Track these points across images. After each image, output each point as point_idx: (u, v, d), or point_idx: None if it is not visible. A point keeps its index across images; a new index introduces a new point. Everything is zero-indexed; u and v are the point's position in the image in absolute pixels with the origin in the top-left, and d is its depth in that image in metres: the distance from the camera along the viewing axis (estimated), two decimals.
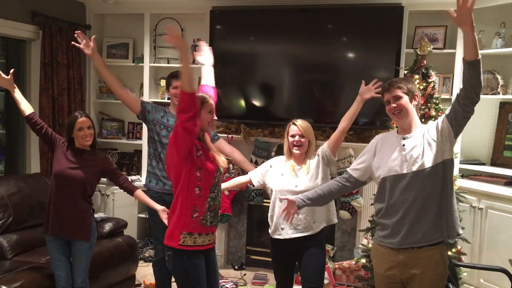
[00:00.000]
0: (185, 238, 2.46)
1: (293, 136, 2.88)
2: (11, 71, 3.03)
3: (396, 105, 2.33)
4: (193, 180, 2.43)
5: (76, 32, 3.06)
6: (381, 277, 2.43)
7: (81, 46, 3.04)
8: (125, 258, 3.76)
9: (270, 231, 2.95)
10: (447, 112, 2.24)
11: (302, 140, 2.86)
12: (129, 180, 3.19)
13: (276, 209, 2.88)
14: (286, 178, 2.87)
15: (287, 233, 2.85)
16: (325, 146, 2.93)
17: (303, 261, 2.87)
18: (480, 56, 2.03)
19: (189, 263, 2.47)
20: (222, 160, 2.60)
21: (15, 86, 3.03)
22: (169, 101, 3.56)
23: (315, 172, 2.87)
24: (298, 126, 2.87)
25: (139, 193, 3.10)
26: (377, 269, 2.47)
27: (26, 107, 3.03)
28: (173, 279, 3.51)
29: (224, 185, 3.10)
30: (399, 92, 2.33)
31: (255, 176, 3.03)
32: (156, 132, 3.32)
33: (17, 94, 3.03)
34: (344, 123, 2.89)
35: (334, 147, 2.91)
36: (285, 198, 2.64)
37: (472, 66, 2.04)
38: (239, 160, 3.58)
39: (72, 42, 3.08)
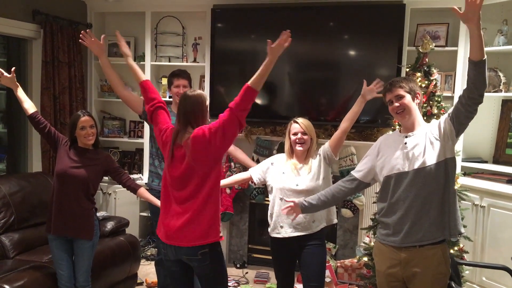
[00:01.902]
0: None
1: (295, 134, 2.88)
2: (13, 69, 3.03)
3: (399, 104, 2.33)
4: (221, 176, 2.55)
5: (83, 31, 3.06)
6: (383, 275, 2.43)
7: (87, 44, 3.04)
8: (127, 256, 3.76)
9: (269, 229, 2.95)
10: (450, 111, 2.24)
11: (305, 137, 2.86)
12: (132, 178, 3.19)
13: (276, 207, 2.87)
14: (287, 177, 2.86)
15: (286, 231, 2.85)
16: (326, 146, 2.92)
17: (303, 259, 2.87)
18: (485, 57, 2.02)
19: (222, 253, 2.57)
20: None
21: (18, 84, 3.04)
22: (171, 99, 3.56)
23: (317, 172, 2.86)
24: (300, 124, 2.87)
25: (142, 191, 3.10)
26: (379, 267, 2.47)
27: (29, 106, 3.03)
28: None
29: (225, 181, 3.12)
30: (401, 91, 2.33)
31: (256, 173, 3.03)
32: None
33: (20, 93, 3.04)
34: (346, 123, 2.89)
35: (335, 147, 2.90)
36: (291, 201, 2.62)
37: (477, 66, 2.03)
38: (241, 159, 3.57)
39: (80, 40, 3.08)
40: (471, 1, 1.93)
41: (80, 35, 3.05)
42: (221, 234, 2.51)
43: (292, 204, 2.59)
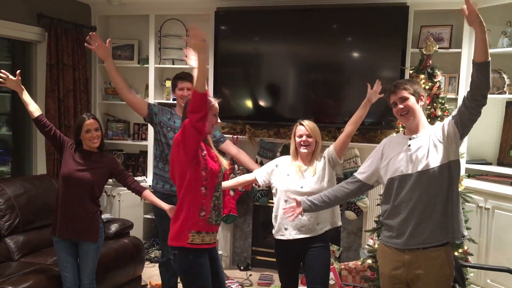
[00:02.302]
0: (194, 237, 2.50)
1: (300, 136, 2.88)
2: (18, 72, 3.04)
3: (403, 106, 2.33)
4: (199, 180, 2.48)
5: (90, 33, 3.07)
6: (386, 277, 2.42)
7: (93, 47, 3.06)
8: (131, 259, 3.76)
9: (273, 231, 2.95)
10: (453, 113, 2.24)
11: (310, 140, 2.87)
12: (137, 181, 3.20)
13: (280, 209, 2.88)
14: (292, 179, 2.87)
15: (290, 233, 2.85)
16: (331, 149, 2.93)
17: (307, 262, 2.87)
18: (489, 59, 2.01)
19: (194, 262, 2.51)
20: (225, 161, 2.68)
21: (23, 88, 3.05)
22: (175, 102, 3.56)
23: (321, 174, 2.87)
24: (305, 126, 2.87)
25: (147, 193, 3.10)
26: (382, 269, 2.47)
27: (35, 109, 3.04)
28: (179, 280, 3.53)
29: (229, 183, 3.14)
30: (406, 93, 2.33)
31: (260, 175, 3.03)
32: (163, 134, 3.32)
33: (25, 96, 3.05)
34: (350, 126, 2.90)
35: (340, 150, 2.91)
36: (293, 198, 2.64)
37: (480, 68, 2.03)
38: (245, 161, 3.57)
39: (86, 44, 3.09)
40: (468, 8, 1.94)
41: (87, 38, 3.06)
42: (190, 241, 2.48)
43: (294, 204, 2.60)
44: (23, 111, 3.08)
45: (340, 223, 3.00)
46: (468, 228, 2.58)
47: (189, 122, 2.34)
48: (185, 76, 3.37)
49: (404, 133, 2.44)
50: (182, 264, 2.52)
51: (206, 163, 2.50)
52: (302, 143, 2.87)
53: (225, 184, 3.07)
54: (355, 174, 2.56)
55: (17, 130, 4.53)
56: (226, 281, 4.19)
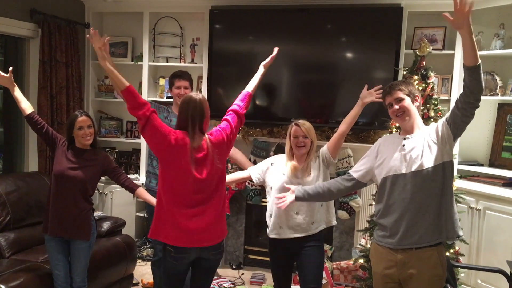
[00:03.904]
0: None
1: (296, 137, 2.89)
2: (10, 69, 3.01)
3: (399, 107, 2.35)
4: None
5: (92, 30, 3.04)
6: (379, 276, 2.43)
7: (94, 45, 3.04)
8: (123, 257, 3.75)
9: (268, 230, 2.95)
10: (447, 115, 2.25)
11: (305, 141, 2.87)
12: (130, 178, 3.18)
13: (275, 208, 2.88)
14: (287, 178, 2.87)
15: (285, 232, 2.85)
16: (325, 149, 2.94)
17: (301, 261, 2.87)
18: (480, 62, 2.02)
19: None
20: None
21: (15, 85, 3.01)
22: (168, 100, 3.55)
23: (316, 174, 2.87)
24: (301, 127, 2.88)
25: (141, 191, 3.08)
26: (375, 268, 2.48)
27: (27, 106, 3.01)
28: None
29: None
30: (401, 94, 2.34)
31: (255, 172, 3.03)
32: None
33: (17, 93, 3.01)
34: (344, 126, 2.90)
35: (334, 149, 2.92)
36: (288, 187, 2.66)
37: (472, 72, 2.04)
38: (241, 160, 3.57)
39: (87, 36, 3.06)
40: (459, 9, 1.94)
41: (91, 31, 3.03)
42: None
43: (286, 195, 2.64)
44: (15, 107, 3.04)
45: (335, 222, 3.01)
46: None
47: (241, 121, 2.73)
48: (183, 74, 3.36)
49: (399, 133, 2.45)
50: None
51: None
52: (297, 144, 2.88)
53: None
54: (350, 171, 2.58)
55: (9, 127, 4.49)
56: (218, 280, 4.20)
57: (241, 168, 3.95)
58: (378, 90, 2.84)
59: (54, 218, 2.96)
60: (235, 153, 3.57)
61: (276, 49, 2.97)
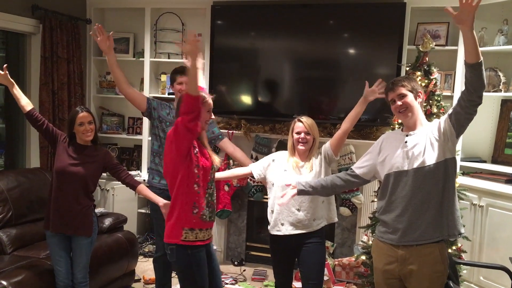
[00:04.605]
0: (187, 234, 2.49)
1: (298, 133, 2.88)
2: (4, 66, 2.98)
3: (401, 103, 2.33)
4: (191, 177, 2.48)
5: (96, 25, 3.04)
6: (380, 272, 2.43)
7: (98, 40, 3.03)
8: (125, 253, 3.75)
9: (269, 227, 2.95)
10: (449, 112, 2.24)
11: (308, 137, 2.87)
12: (131, 175, 3.17)
13: (276, 204, 2.87)
14: (289, 174, 2.86)
15: (286, 229, 2.84)
16: (327, 146, 2.92)
17: (302, 257, 2.87)
18: (481, 59, 2.00)
19: (192, 257, 2.52)
20: (217, 158, 2.68)
21: (13, 82, 3.00)
22: (170, 96, 3.54)
23: (318, 170, 2.87)
24: (304, 123, 2.87)
25: (142, 188, 3.07)
26: (376, 264, 2.48)
27: (26, 103, 3.00)
28: (173, 275, 3.52)
29: (224, 174, 3.15)
30: (404, 90, 2.33)
31: (256, 168, 3.02)
32: (162, 129, 3.29)
33: (16, 90, 3.00)
34: (347, 124, 2.89)
35: (336, 147, 2.91)
36: (288, 185, 2.65)
37: (473, 69, 2.02)
38: (241, 159, 3.56)
39: (91, 33, 3.06)
40: (466, 3, 1.92)
41: (95, 27, 3.03)
42: (183, 238, 2.48)
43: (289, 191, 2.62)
44: (17, 104, 3.04)
45: (336, 219, 3.00)
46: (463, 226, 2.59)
47: (181, 121, 2.35)
48: (184, 70, 3.35)
49: (402, 130, 2.44)
50: (178, 259, 2.53)
51: (198, 160, 2.50)
52: (300, 140, 2.87)
53: (220, 175, 3.07)
54: (352, 167, 2.57)
55: (10, 123, 4.50)
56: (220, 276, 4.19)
57: (242, 166, 3.95)
58: (380, 85, 2.82)
59: (56, 214, 2.96)
60: (235, 151, 3.56)
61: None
